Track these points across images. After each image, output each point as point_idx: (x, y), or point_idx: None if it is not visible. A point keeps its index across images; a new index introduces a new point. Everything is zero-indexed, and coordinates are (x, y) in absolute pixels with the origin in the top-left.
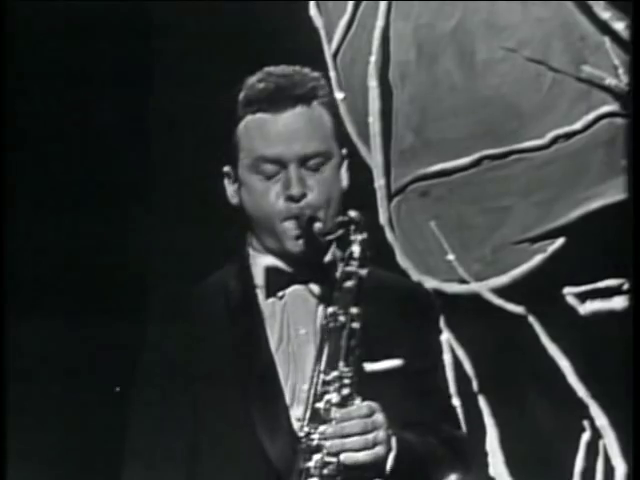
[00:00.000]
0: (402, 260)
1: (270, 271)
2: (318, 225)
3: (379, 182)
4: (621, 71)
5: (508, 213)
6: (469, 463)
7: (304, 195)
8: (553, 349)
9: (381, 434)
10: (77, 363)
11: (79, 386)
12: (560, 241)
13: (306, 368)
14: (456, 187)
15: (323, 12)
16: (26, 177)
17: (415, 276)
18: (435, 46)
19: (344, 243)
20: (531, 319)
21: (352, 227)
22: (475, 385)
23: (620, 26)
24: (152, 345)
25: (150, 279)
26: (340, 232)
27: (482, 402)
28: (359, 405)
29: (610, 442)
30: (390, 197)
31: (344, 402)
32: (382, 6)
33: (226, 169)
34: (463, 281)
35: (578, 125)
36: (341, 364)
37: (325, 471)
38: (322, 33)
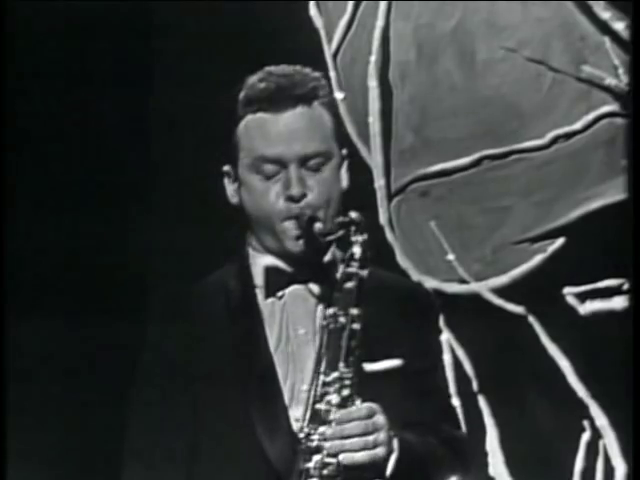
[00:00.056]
0: (402, 260)
1: (270, 271)
2: (318, 225)
3: (379, 182)
4: (621, 71)
5: (508, 213)
6: (469, 463)
7: (304, 195)
8: (553, 349)
9: (382, 436)
10: (77, 363)
11: (79, 386)
12: (560, 241)
13: (305, 368)
14: (456, 187)
15: (323, 12)
16: (26, 177)
17: (415, 276)
18: (435, 46)
19: (344, 244)
20: (531, 319)
21: (353, 228)
22: (475, 385)
23: (620, 26)
24: (152, 345)
25: (150, 279)
26: (340, 233)
27: (482, 402)
28: (359, 406)
29: (610, 442)
30: (390, 197)
31: (344, 403)
32: (382, 6)
33: (226, 169)
34: (463, 281)
35: (578, 125)
36: (341, 365)
37: (325, 472)
38: (322, 33)
